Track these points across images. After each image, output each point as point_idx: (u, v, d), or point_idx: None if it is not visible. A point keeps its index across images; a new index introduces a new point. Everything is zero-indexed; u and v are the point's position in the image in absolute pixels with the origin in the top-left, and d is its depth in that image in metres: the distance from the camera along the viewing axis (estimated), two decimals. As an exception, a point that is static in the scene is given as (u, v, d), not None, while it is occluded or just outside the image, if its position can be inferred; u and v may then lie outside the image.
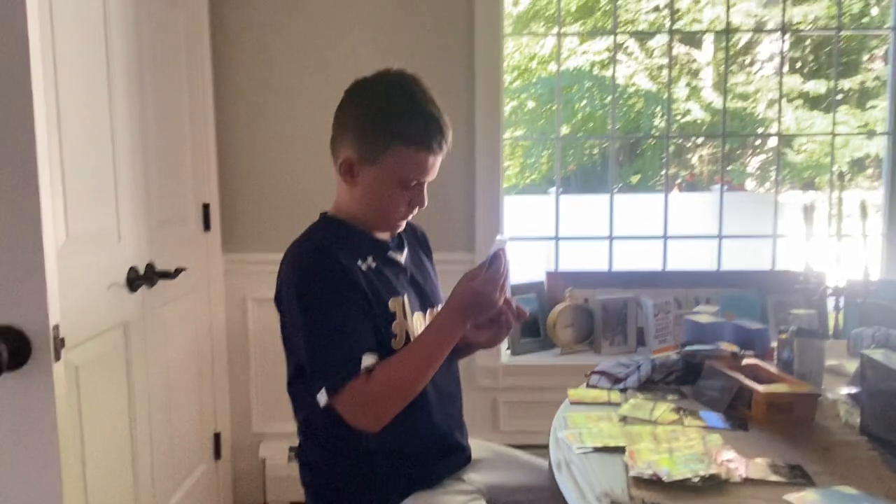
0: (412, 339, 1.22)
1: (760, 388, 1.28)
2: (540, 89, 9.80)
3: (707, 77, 10.36)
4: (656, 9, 9.44)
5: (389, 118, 1.17)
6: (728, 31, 2.85)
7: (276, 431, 2.43)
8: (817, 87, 8.82)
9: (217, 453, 2.36)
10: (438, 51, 2.36)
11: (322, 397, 1.14)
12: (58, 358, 1.03)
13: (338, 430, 1.17)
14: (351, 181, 1.22)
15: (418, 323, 1.27)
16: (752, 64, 10.27)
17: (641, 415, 1.29)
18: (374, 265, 1.23)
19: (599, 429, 1.23)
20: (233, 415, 2.45)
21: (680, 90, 9.70)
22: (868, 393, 1.22)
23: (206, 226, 2.27)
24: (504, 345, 2.46)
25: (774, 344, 1.53)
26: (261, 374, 2.45)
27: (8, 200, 0.99)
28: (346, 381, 1.12)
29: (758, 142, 10.29)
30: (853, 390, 1.36)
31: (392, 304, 1.22)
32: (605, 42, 9.67)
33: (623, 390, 1.44)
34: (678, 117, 9.37)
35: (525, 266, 2.83)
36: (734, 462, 1.07)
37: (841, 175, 2.62)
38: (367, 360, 1.14)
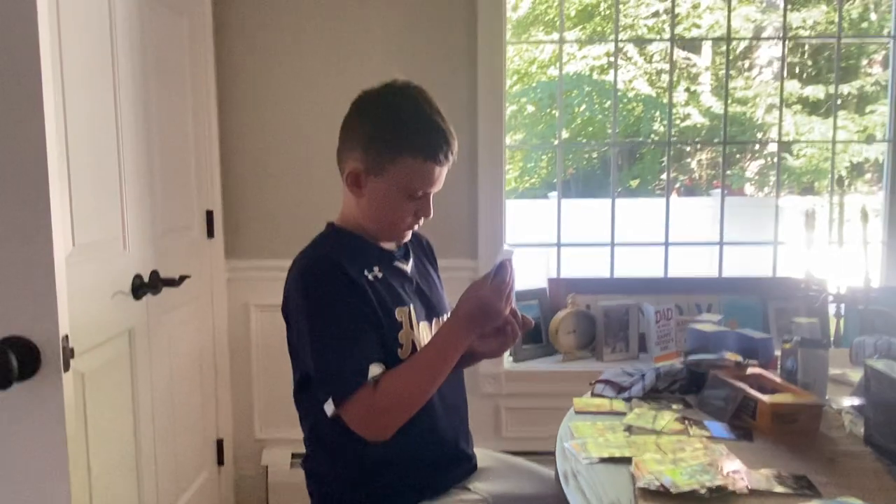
0: (418, 349, 1.22)
1: (765, 398, 1.29)
2: (539, 94, 9.82)
3: (706, 82, 10.38)
4: (655, 14, 9.48)
5: (396, 130, 1.18)
6: (729, 39, 2.86)
7: (278, 438, 2.44)
8: (816, 91, 8.85)
9: (220, 460, 2.36)
10: (441, 58, 2.37)
11: (329, 407, 1.14)
12: (67, 368, 1.03)
13: (344, 440, 1.17)
14: (357, 192, 1.23)
15: (424, 332, 1.27)
16: (750, 69, 10.30)
17: (646, 425, 1.30)
18: (380, 275, 1.24)
19: (605, 439, 1.23)
20: (235, 421, 2.45)
21: (679, 95, 9.72)
22: (872, 404, 1.22)
23: (210, 233, 2.28)
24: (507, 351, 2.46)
25: (778, 353, 1.54)
26: (263, 381, 2.45)
27: (18, 213, 0.99)
28: (353, 392, 1.13)
29: (756, 146, 10.32)
30: (857, 401, 1.37)
31: (398, 313, 1.23)
32: (605, 46, 9.68)
33: (627, 399, 1.44)
34: (677, 122, 9.39)
35: (527, 272, 2.83)
36: (740, 473, 1.08)
37: (840, 180, 2.63)
38: (374, 370, 1.15)
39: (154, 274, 1.80)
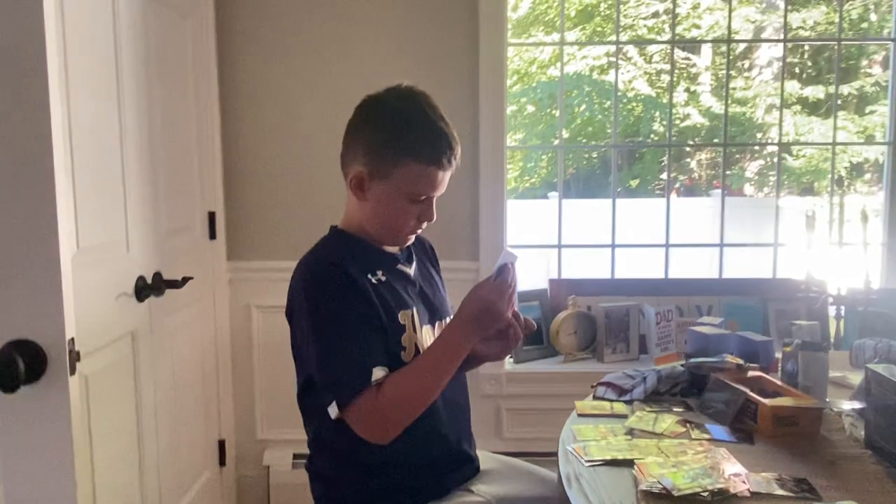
0: (421, 352, 1.23)
1: (766, 401, 1.30)
2: (539, 94, 9.82)
3: (705, 82, 10.39)
4: (655, 14, 9.48)
5: (400, 134, 1.19)
6: (730, 41, 2.87)
7: (280, 439, 2.44)
8: (816, 92, 8.85)
9: (222, 460, 2.37)
10: (442, 60, 2.38)
11: (333, 410, 1.15)
12: (73, 371, 1.04)
13: (348, 443, 1.18)
14: (361, 196, 1.24)
15: (427, 336, 1.28)
16: (750, 69, 10.30)
17: (648, 427, 1.30)
18: (383, 278, 1.25)
19: (607, 442, 1.24)
20: (237, 422, 2.46)
21: (678, 95, 9.72)
22: (873, 407, 1.23)
23: (212, 234, 2.28)
24: (507, 352, 2.47)
25: (778, 355, 1.54)
26: (265, 382, 2.46)
27: (25, 217, 1.00)
28: (357, 394, 1.14)
29: (756, 147, 10.32)
30: (858, 404, 1.38)
31: (402, 316, 1.24)
32: (605, 46, 9.69)
33: (629, 402, 1.45)
34: (677, 122, 9.39)
35: (528, 273, 2.85)
36: (741, 476, 1.09)
37: (840, 181, 2.64)
38: (378, 373, 1.15)
39: (157, 276, 1.81)
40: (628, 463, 1.14)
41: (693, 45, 10.33)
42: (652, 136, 9.70)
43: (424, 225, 1.28)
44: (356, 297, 1.18)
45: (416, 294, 1.31)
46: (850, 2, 7.83)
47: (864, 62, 8.91)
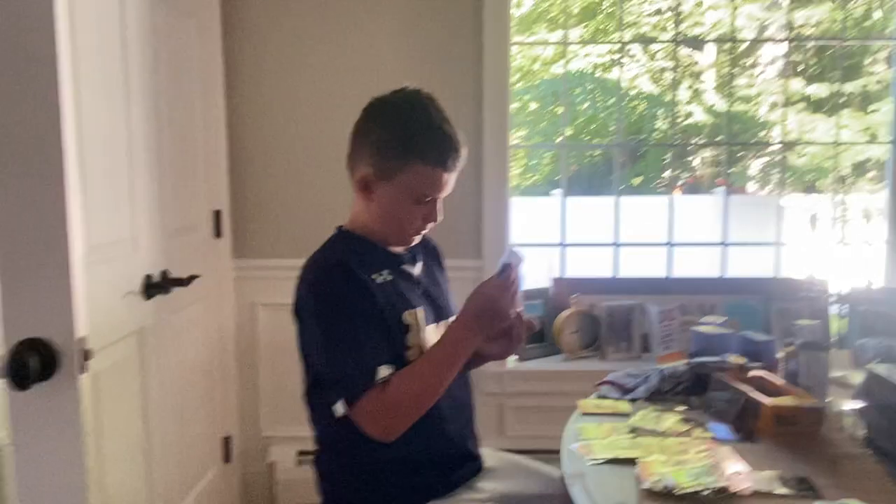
0: (426, 351, 1.24)
1: (767, 400, 1.31)
2: (542, 91, 9.82)
3: (709, 80, 10.38)
4: (658, 11, 9.46)
5: (407, 137, 1.20)
6: (734, 40, 2.87)
7: (284, 435, 2.46)
8: (819, 90, 8.83)
9: (227, 456, 2.38)
10: (446, 58, 2.39)
11: (339, 408, 1.17)
12: (84, 370, 1.05)
13: (354, 441, 1.20)
14: (368, 197, 1.25)
15: (432, 335, 1.29)
16: (754, 66, 10.29)
17: (651, 426, 1.32)
18: (389, 278, 1.26)
19: (610, 440, 1.26)
20: (242, 419, 2.48)
21: (682, 93, 9.71)
22: (873, 407, 1.24)
23: (218, 233, 2.30)
24: (510, 351, 2.48)
25: (780, 355, 1.56)
26: (270, 379, 2.48)
27: (36, 217, 1.01)
28: (363, 393, 1.15)
29: (759, 145, 10.31)
30: (858, 404, 1.39)
31: (407, 316, 1.25)
32: (608, 44, 9.68)
33: (632, 401, 1.46)
34: (680, 120, 9.39)
35: (530, 272, 2.86)
36: (742, 475, 1.10)
37: (843, 179, 2.66)
38: (383, 371, 1.17)
39: (164, 274, 1.82)
40: (631, 461, 1.16)
41: (696, 43, 10.32)
42: (655, 133, 9.69)
43: (430, 226, 1.30)
44: (362, 297, 1.20)
45: (420, 294, 1.33)
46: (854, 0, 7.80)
47: (868, 60, 8.89)
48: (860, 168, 8.90)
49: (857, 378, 1.50)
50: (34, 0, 0.97)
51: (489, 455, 1.43)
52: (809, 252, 2.36)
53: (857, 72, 8.69)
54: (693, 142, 10.32)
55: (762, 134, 9.40)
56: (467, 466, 1.35)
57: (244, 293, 2.43)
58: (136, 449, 1.74)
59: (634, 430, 1.31)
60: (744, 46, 9.73)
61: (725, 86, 9.47)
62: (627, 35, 9.40)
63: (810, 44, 9.45)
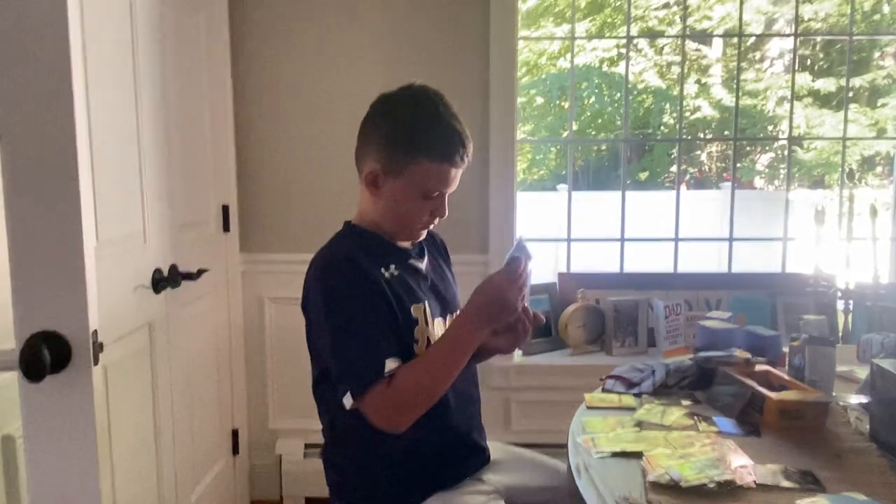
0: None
1: (772, 395, 1.32)
2: (549, 85, 9.80)
3: (716, 74, 10.33)
4: (666, 5, 9.42)
5: (415, 132, 1.21)
6: (741, 35, 2.86)
7: (291, 428, 2.48)
8: (827, 85, 8.78)
9: (235, 449, 2.41)
10: (453, 53, 2.39)
11: (347, 400, 1.18)
12: (96, 362, 1.07)
13: (362, 432, 1.21)
14: (375, 192, 1.26)
15: (439, 329, 1.30)
16: (762, 60, 10.23)
17: (656, 420, 1.33)
18: (396, 273, 1.27)
19: (616, 434, 1.27)
20: (250, 412, 2.50)
21: (689, 87, 9.67)
22: (878, 401, 1.25)
23: (226, 227, 2.31)
24: (516, 345, 2.49)
25: (786, 350, 1.56)
26: (277, 373, 2.50)
27: (49, 211, 1.03)
28: (371, 385, 1.16)
29: (766, 140, 10.26)
30: (863, 398, 1.39)
31: (414, 310, 1.26)
32: (615, 39, 9.64)
33: (638, 395, 1.47)
34: (687, 114, 9.35)
35: (536, 267, 2.87)
36: (747, 468, 1.11)
37: (851, 174, 2.65)
38: (391, 364, 1.18)
39: (173, 268, 1.84)
40: (637, 454, 1.17)
41: (704, 38, 10.26)
42: (662, 128, 9.66)
43: (437, 221, 1.31)
44: (370, 291, 1.21)
45: (427, 288, 1.33)
46: (863, -7, 7.74)
47: (877, 54, 8.83)
48: (869, 163, 8.86)
49: (863, 373, 1.50)
50: (47, -3, 0.98)
51: (495, 448, 1.44)
52: (816, 247, 2.35)
53: (866, 66, 8.63)
54: (700, 136, 10.28)
55: (770, 129, 9.36)
56: (474, 458, 1.36)
57: (251, 287, 2.45)
58: (146, 441, 1.76)
59: (640, 424, 1.31)
60: (752, 41, 9.69)
61: (733, 80, 9.42)
62: (634, 29, 9.39)
63: (818, 38, 9.39)
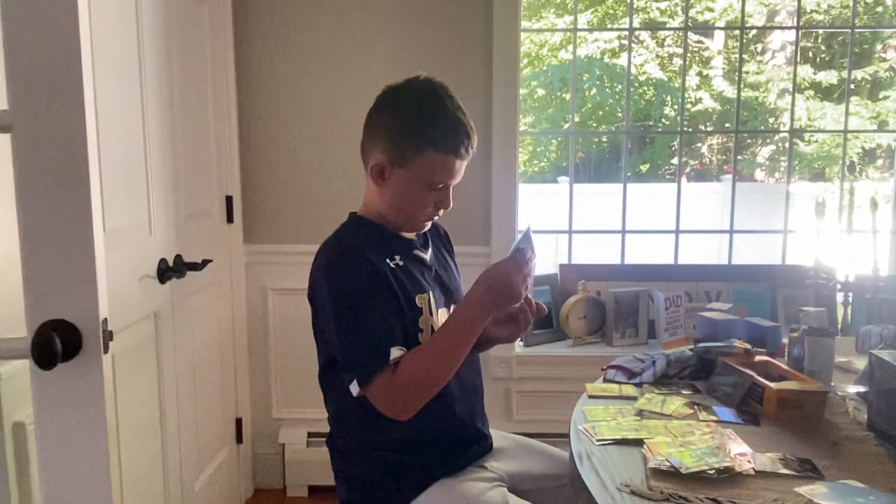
0: None
1: (772, 385, 1.33)
2: (550, 77, 9.77)
3: (718, 65, 10.30)
4: (668, -3, 9.38)
5: (422, 124, 1.22)
6: (742, 28, 2.87)
7: (294, 417, 2.51)
8: (829, 77, 8.77)
9: (239, 438, 2.43)
10: (456, 45, 2.40)
11: (354, 388, 1.20)
12: (106, 350, 1.08)
13: (367, 419, 1.23)
14: (381, 183, 1.27)
15: (443, 318, 1.32)
16: (763, 52, 10.20)
17: (657, 409, 1.35)
18: (401, 263, 1.29)
19: (617, 422, 1.29)
20: (253, 401, 2.52)
21: (690, 79, 9.65)
22: (876, 391, 1.27)
23: (229, 218, 2.33)
24: (518, 336, 2.51)
25: (785, 341, 1.58)
26: (280, 363, 2.52)
27: (60, 201, 1.04)
28: (377, 373, 1.18)
29: (768, 133, 10.24)
30: (861, 388, 1.41)
31: (419, 300, 1.28)
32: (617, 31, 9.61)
33: (639, 385, 1.49)
34: (689, 106, 9.34)
35: (538, 258, 2.88)
36: (746, 456, 1.13)
37: (852, 166, 2.66)
38: (396, 352, 1.20)
39: (178, 258, 1.86)
40: (638, 442, 1.19)
41: (705, 30, 10.24)
42: (663, 120, 9.64)
43: (441, 212, 1.32)
44: (375, 281, 1.23)
45: (432, 278, 1.35)
46: (866, -15, 7.72)
47: (879, 47, 8.81)
48: (870, 155, 8.85)
49: (861, 364, 1.52)
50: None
51: (498, 436, 1.46)
52: (816, 240, 2.36)
53: (868, 59, 8.61)
54: (701, 129, 10.27)
55: (771, 121, 9.35)
56: (477, 446, 1.38)
57: (255, 278, 2.46)
58: (152, 429, 1.78)
59: (640, 413, 1.33)
60: (753, 32, 9.66)
61: (734, 72, 9.41)
62: (636, 21, 9.35)
63: (820, 30, 9.36)
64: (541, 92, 10.04)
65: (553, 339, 2.57)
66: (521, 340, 2.54)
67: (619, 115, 10.01)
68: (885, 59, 8.72)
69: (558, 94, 9.75)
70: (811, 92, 8.90)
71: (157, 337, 1.78)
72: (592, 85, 9.86)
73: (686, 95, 8.53)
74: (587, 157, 11.14)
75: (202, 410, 2.10)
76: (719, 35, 10.21)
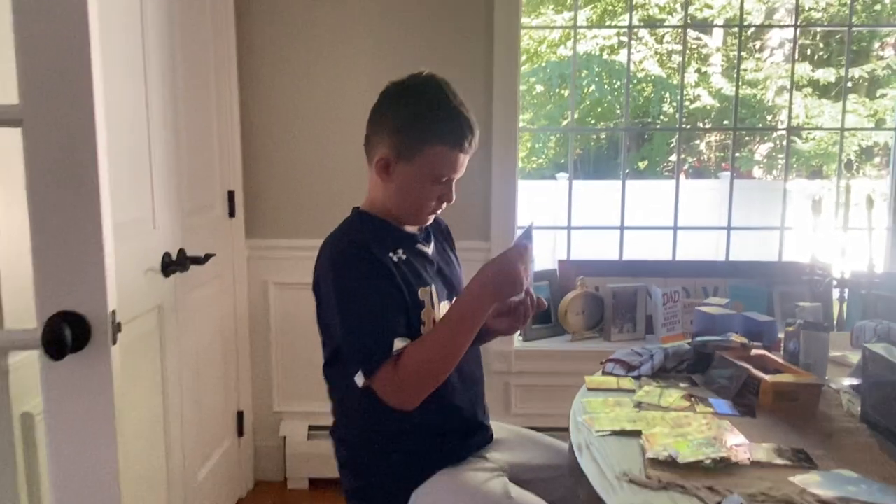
0: None
1: (767, 377, 1.36)
2: (549, 73, 9.79)
3: (716, 63, 10.33)
4: (667, -7, 9.40)
5: (426, 119, 1.24)
6: (741, 26, 2.88)
7: (295, 410, 2.53)
8: (827, 75, 8.79)
9: (240, 430, 2.45)
10: (456, 42, 2.41)
11: (359, 379, 1.22)
12: (115, 342, 1.10)
13: (371, 410, 1.25)
14: (386, 177, 1.29)
15: (444, 311, 1.34)
16: (762, 50, 10.23)
17: (654, 401, 1.37)
18: (404, 257, 1.31)
19: (616, 414, 1.31)
20: (255, 394, 2.54)
21: (689, 76, 9.68)
22: (869, 384, 1.29)
23: (231, 213, 2.35)
24: (517, 330, 2.54)
25: (781, 335, 1.60)
26: (282, 356, 2.54)
27: (70, 194, 1.06)
28: (380, 364, 1.20)
29: (765, 130, 10.27)
30: (855, 381, 1.44)
31: (421, 293, 1.30)
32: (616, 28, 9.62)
33: (637, 378, 1.51)
34: (687, 103, 9.36)
35: (537, 254, 2.91)
36: (742, 446, 1.15)
37: (849, 164, 2.68)
38: (399, 344, 1.22)
39: (181, 252, 1.87)
40: (636, 433, 1.21)
41: (704, 27, 10.25)
42: (661, 117, 9.67)
43: (444, 206, 1.34)
44: (379, 275, 1.25)
45: (434, 272, 1.37)
46: (864, -17, 7.74)
47: (877, 45, 8.84)
48: (867, 153, 8.89)
49: (856, 358, 1.54)
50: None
51: (498, 428, 1.48)
52: (813, 236, 2.39)
53: (866, 57, 8.65)
54: (699, 126, 10.30)
55: (769, 119, 9.38)
56: (477, 437, 1.40)
57: (257, 272, 2.48)
58: (155, 421, 1.80)
59: (639, 405, 1.36)
60: (752, 30, 9.68)
61: (733, 69, 9.43)
62: (635, 18, 9.37)
63: (818, 28, 9.38)
64: (539, 88, 10.06)
65: (552, 333, 2.59)
66: (521, 335, 2.56)
67: (618, 111, 10.03)
68: (882, 57, 8.75)
69: (557, 90, 9.77)
70: (809, 89, 8.93)
71: (160, 330, 1.80)
72: (591, 81, 9.88)
73: (685, 92, 8.55)
74: (585, 154, 11.16)
75: (204, 403, 2.12)
76: (718, 32, 10.23)
